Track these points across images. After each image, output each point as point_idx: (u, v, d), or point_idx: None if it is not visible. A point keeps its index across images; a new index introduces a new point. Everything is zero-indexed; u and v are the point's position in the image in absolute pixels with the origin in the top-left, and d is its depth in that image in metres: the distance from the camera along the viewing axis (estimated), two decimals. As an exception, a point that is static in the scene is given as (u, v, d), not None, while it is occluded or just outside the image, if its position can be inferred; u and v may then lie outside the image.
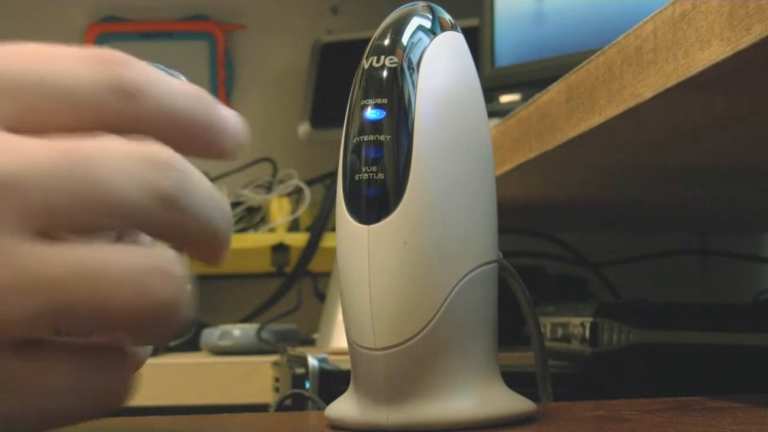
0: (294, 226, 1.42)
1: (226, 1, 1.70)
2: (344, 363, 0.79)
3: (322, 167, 1.49)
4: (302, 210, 1.41)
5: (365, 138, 0.44)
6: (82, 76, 0.33)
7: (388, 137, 0.43)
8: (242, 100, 1.70)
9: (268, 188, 1.49)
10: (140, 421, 0.49)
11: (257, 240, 1.40)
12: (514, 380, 0.47)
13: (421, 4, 0.46)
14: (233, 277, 1.56)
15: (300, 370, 0.82)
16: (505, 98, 1.02)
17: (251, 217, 1.45)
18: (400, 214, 0.43)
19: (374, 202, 0.44)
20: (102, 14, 1.70)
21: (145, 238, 0.36)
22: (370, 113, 0.44)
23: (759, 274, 1.38)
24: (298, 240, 1.39)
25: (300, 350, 0.94)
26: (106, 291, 0.31)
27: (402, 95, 0.44)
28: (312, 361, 0.79)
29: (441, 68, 0.45)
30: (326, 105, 1.54)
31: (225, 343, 1.28)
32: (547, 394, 0.52)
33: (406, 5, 0.46)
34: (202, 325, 1.33)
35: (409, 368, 0.44)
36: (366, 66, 0.45)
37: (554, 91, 0.64)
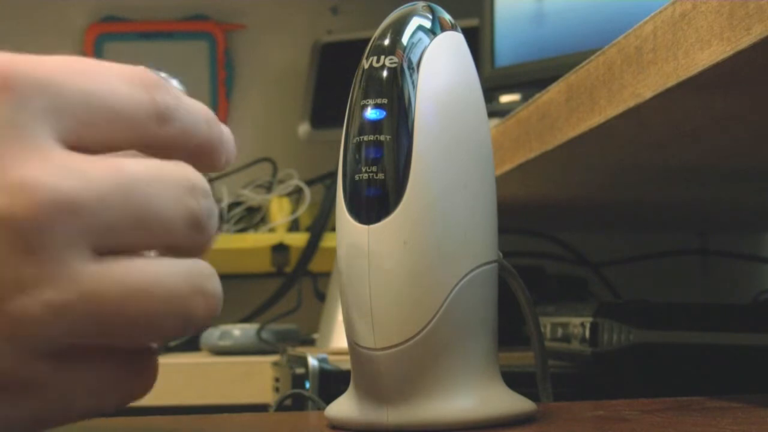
0: (294, 226, 1.42)
1: (226, 1, 1.70)
2: (344, 363, 0.79)
3: (322, 167, 1.49)
4: (302, 210, 1.41)
5: (365, 138, 0.44)
6: (128, 98, 0.35)
7: (388, 137, 0.43)
8: (242, 100, 1.70)
9: (268, 188, 1.49)
10: (140, 421, 0.49)
11: (257, 240, 1.40)
12: (514, 380, 0.47)
13: (421, 4, 0.46)
14: (233, 277, 1.56)
15: (300, 370, 0.82)
16: (505, 98, 1.02)
17: (251, 217, 1.45)
18: (400, 214, 0.43)
19: (374, 202, 0.44)
20: (102, 14, 1.70)
21: None
22: (370, 113, 0.44)
23: (759, 274, 1.38)
24: (298, 240, 1.39)
25: (300, 350, 0.94)
26: (154, 311, 0.33)
27: (402, 95, 0.44)
28: (312, 361, 0.79)
29: (441, 68, 0.45)
30: (326, 105, 1.54)
31: (225, 343, 1.27)
32: (547, 394, 0.52)
33: (406, 5, 0.46)
34: (202, 325, 1.33)
35: (409, 368, 0.44)
36: (366, 66, 0.45)
37: (554, 91, 0.64)
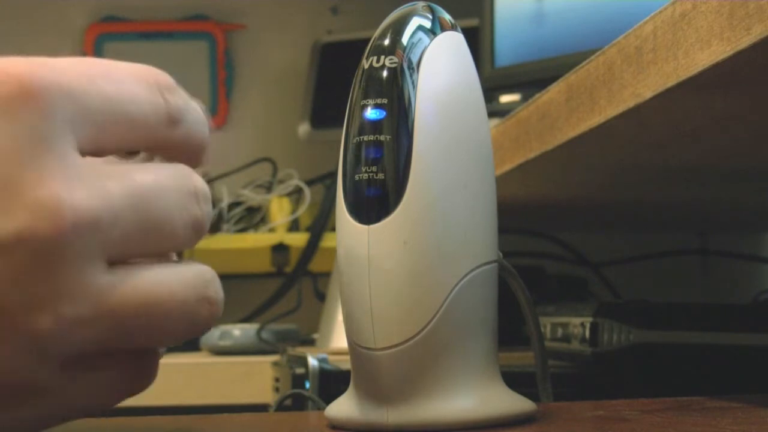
0: (294, 226, 1.42)
1: (226, 1, 1.70)
2: (344, 363, 0.79)
3: (322, 167, 1.49)
4: (302, 210, 1.41)
5: (365, 138, 0.44)
6: (146, 103, 0.36)
7: (388, 137, 0.43)
8: (242, 100, 1.70)
9: (268, 188, 1.49)
10: (140, 421, 0.49)
11: (257, 240, 1.40)
12: (514, 380, 0.47)
13: (421, 4, 0.46)
14: (233, 277, 1.56)
15: (300, 370, 0.82)
16: (505, 98, 1.02)
17: (251, 217, 1.45)
18: (400, 214, 0.43)
19: (374, 202, 0.44)
20: (102, 14, 1.70)
21: None
22: (370, 113, 0.44)
23: (759, 274, 1.38)
24: (298, 240, 1.39)
25: (300, 350, 0.94)
26: (163, 319, 0.35)
27: (402, 95, 0.44)
28: (312, 361, 0.79)
29: (441, 68, 0.45)
30: (326, 105, 1.54)
31: (225, 343, 1.27)
32: (547, 394, 0.52)
33: (406, 5, 0.46)
34: (202, 325, 1.33)
35: (409, 368, 0.44)
36: (366, 66, 0.45)
37: (554, 91, 0.64)
